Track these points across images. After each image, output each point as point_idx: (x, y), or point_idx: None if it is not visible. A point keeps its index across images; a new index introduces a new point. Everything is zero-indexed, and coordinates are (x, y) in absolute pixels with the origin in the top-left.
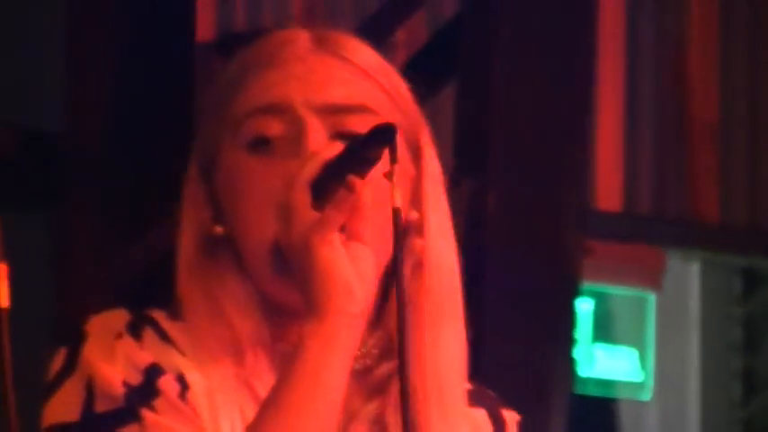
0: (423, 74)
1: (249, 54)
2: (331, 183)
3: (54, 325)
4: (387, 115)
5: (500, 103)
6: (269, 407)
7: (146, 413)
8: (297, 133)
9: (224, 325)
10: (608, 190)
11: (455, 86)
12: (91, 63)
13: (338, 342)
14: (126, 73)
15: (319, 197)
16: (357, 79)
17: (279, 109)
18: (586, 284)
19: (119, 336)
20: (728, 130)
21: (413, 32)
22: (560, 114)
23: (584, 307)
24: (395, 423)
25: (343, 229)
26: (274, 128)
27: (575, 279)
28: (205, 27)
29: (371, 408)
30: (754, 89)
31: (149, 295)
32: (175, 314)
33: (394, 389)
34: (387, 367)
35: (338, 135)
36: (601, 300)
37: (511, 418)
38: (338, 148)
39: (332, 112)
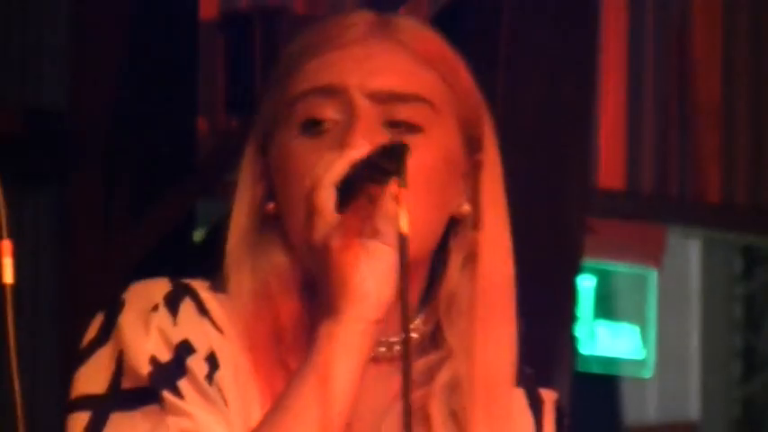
0: None
1: (311, 34)
2: (355, 187)
3: (59, 301)
4: (442, 105)
5: (502, 85)
6: (276, 409)
7: (167, 395)
8: (348, 117)
9: (267, 302)
10: (611, 169)
11: None
12: (94, 42)
13: (351, 348)
14: (130, 52)
15: (344, 199)
16: (415, 67)
17: (333, 91)
18: (588, 262)
19: (155, 308)
20: (730, 111)
21: (416, 8)
22: (563, 94)
23: (585, 284)
24: (437, 413)
25: (365, 229)
26: (327, 110)
27: (576, 256)
28: (208, 6)
29: (414, 396)
30: (756, 70)
31: (154, 272)
32: (218, 286)
33: (438, 379)
34: (432, 357)
35: (390, 123)
36: (602, 277)
37: (548, 396)
38: (366, 148)
39: (385, 99)
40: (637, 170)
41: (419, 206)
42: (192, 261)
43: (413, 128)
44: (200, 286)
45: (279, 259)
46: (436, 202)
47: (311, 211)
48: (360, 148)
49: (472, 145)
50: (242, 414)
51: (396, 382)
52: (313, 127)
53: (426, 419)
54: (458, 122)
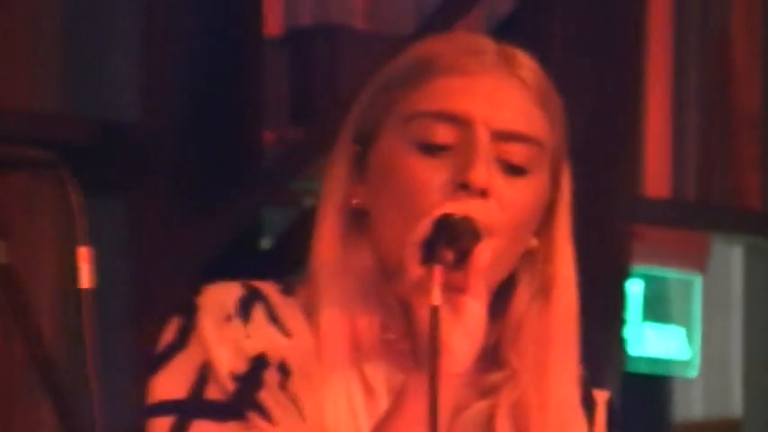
0: None
1: (431, 50)
2: (436, 245)
3: (132, 304)
4: (546, 147)
5: (557, 90)
6: None
7: (252, 415)
8: (467, 148)
9: (347, 309)
10: (656, 178)
11: None
12: (164, 59)
13: (443, 397)
14: (196, 68)
15: (428, 256)
16: (533, 108)
17: (458, 120)
18: (636, 267)
19: (228, 318)
20: None
21: (471, 28)
22: (611, 107)
23: (634, 289)
24: (501, 425)
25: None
26: (448, 136)
27: (625, 262)
28: (273, 23)
29: (479, 408)
30: None
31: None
32: (289, 288)
33: (505, 396)
34: (496, 376)
35: (500, 161)
36: (650, 282)
37: (601, 398)
38: (451, 207)
39: (506, 137)
40: (681, 179)
41: (508, 241)
42: (259, 267)
43: (522, 171)
44: (271, 290)
45: (365, 264)
46: (522, 238)
47: (400, 267)
48: (443, 208)
49: (554, 179)
50: (316, 419)
51: (463, 393)
52: (429, 145)
53: (490, 424)
54: (551, 162)
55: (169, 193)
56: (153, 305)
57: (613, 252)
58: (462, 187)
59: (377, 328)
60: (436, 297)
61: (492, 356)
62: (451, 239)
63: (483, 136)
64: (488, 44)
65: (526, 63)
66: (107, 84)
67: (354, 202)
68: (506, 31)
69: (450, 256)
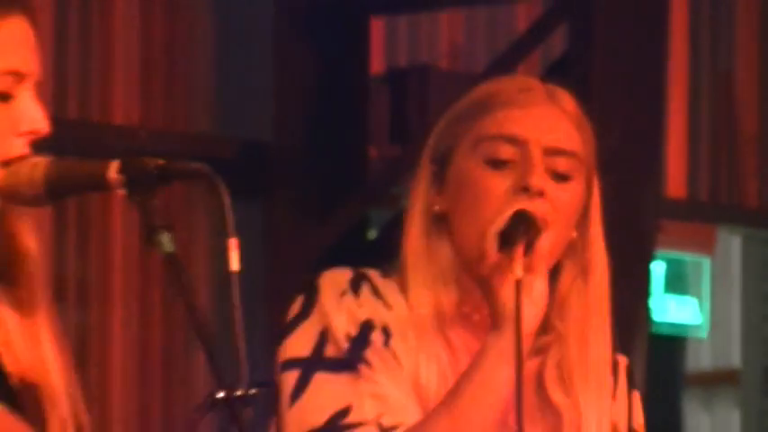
0: None
1: (494, 89)
2: (511, 234)
3: (266, 285)
4: (582, 158)
5: (595, 118)
6: (450, 395)
7: (361, 367)
8: (524, 163)
9: (434, 286)
10: (675, 183)
11: None
12: (292, 92)
13: (508, 355)
14: (317, 98)
15: (504, 244)
16: (572, 130)
17: (517, 141)
18: (659, 252)
19: (343, 293)
20: (764, 140)
21: (530, 68)
22: (640, 129)
23: (657, 268)
24: (550, 380)
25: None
26: (509, 153)
27: (650, 248)
28: (377, 64)
29: (532, 364)
30: None
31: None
32: (387, 273)
33: (552, 355)
34: (546, 338)
35: (549, 171)
36: (670, 263)
37: (623, 362)
38: (520, 205)
39: (552, 153)
40: (695, 184)
41: (560, 233)
42: (366, 255)
43: (566, 178)
44: (373, 274)
45: (444, 252)
46: (567, 230)
47: (482, 252)
48: (515, 205)
49: (588, 188)
50: (411, 374)
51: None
52: (496, 161)
53: (541, 383)
54: (585, 172)
55: (296, 197)
56: (283, 286)
57: (642, 240)
58: (524, 191)
59: (455, 303)
60: (519, 271)
61: (541, 324)
62: (524, 229)
63: (536, 151)
64: (537, 83)
65: (565, 97)
66: (247, 110)
67: (436, 208)
68: (557, 70)
69: (522, 243)
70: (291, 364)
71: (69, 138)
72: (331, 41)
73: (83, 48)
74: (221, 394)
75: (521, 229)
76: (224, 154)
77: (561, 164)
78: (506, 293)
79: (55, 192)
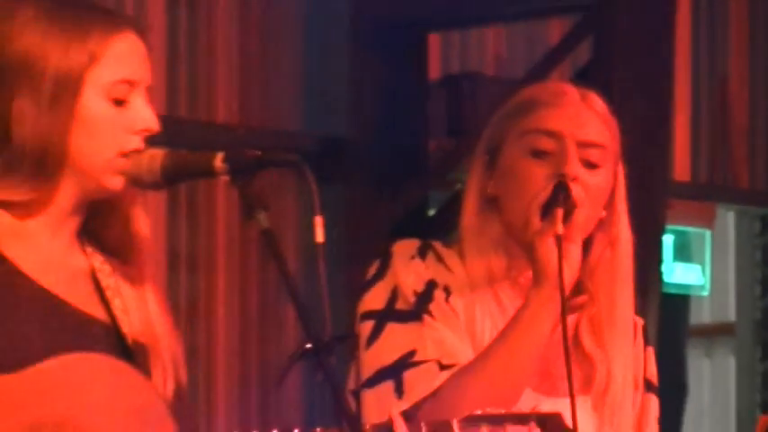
0: None
1: (535, 92)
2: (551, 203)
3: (346, 253)
4: (609, 149)
5: (616, 114)
6: (496, 341)
7: (425, 317)
8: (561, 154)
9: (486, 254)
10: (681, 168)
11: None
12: (366, 94)
13: (547, 307)
14: (386, 100)
15: (545, 213)
16: (600, 126)
17: (555, 136)
18: (669, 225)
19: (412, 257)
20: (754, 132)
21: (561, 74)
22: (652, 126)
23: (667, 239)
24: (585, 333)
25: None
26: (549, 145)
27: (661, 223)
28: (434, 70)
29: (569, 320)
30: None
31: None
32: (447, 244)
33: (587, 313)
34: (580, 299)
35: (582, 160)
36: (677, 235)
37: (639, 322)
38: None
39: (584, 145)
40: (697, 169)
41: (591, 211)
42: (425, 229)
43: (596, 166)
44: (437, 243)
45: (495, 227)
46: (597, 210)
47: (527, 220)
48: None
49: (614, 174)
50: (467, 325)
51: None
52: (537, 152)
53: (577, 336)
54: (612, 161)
55: (368, 182)
56: (358, 255)
57: (654, 216)
58: (560, 177)
59: (504, 268)
60: (560, 228)
61: (575, 287)
62: (563, 197)
63: (571, 144)
64: (571, 87)
65: (595, 98)
66: (328, 110)
67: (488, 191)
68: (584, 76)
69: (561, 212)
70: (368, 315)
71: (180, 134)
72: (396, 53)
73: (190, 58)
74: (309, 345)
75: (560, 197)
76: (309, 147)
77: (592, 154)
78: (546, 254)
79: (170, 178)
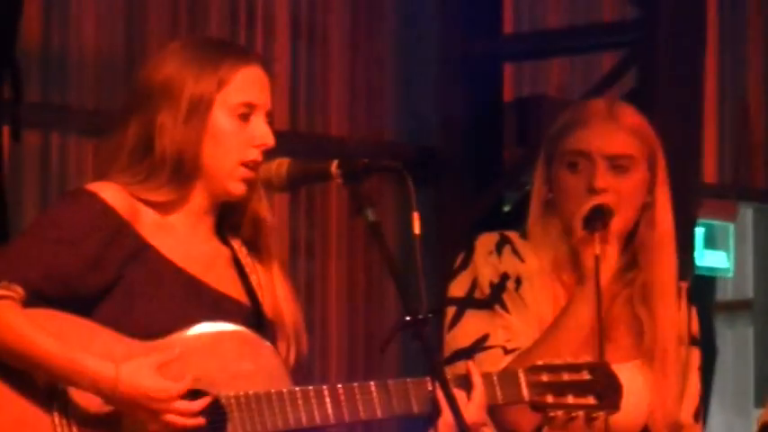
0: None
1: (572, 113)
2: (590, 220)
3: (436, 247)
4: (640, 156)
5: (658, 126)
6: (551, 327)
7: (496, 306)
8: (591, 169)
9: (550, 248)
10: (710, 173)
11: None
12: (452, 112)
13: (588, 302)
14: (469, 117)
15: (586, 225)
16: (627, 137)
17: (584, 154)
18: (699, 219)
19: (490, 252)
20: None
21: (611, 97)
22: (688, 138)
23: (698, 231)
24: (636, 299)
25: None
26: (580, 162)
27: (694, 217)
28: (507, 94)
29: (625, 292)
30: None
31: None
32: (522, 235)
33: (637, 283)
34: (633, 273)
35: (613, 168)
36: (707, 227)
37: (684, 286)
38: (595, 201)
39: (612, 158)
40: (722, 172)
41: (628, 211)
42: (502, 223)
43: (625, 171)
44: (514, 235)
45: (557, 227)
46: (634, 209)
47: (571, 229)
48: (595, 198)
49: (653, 170)
50: (537, 313)
51: (616, 287)
52: (573, 167)
53: (631, 303)
54: (647, 161)
55: (455, 185)
56: (448, 246)
57: (689, 212)
58: (592, 190)
59: (568, 259)
60: (597, 249)
61: (629, 264)
62: (599, 217)
63: (599, 159)
64: (601, 104)
65: (623, 111)
66: (421, 125)
67: (549, 196)
68: (630, 99)
69: (599, 226)
70: (451, 301)
71: (300, 145)
72: (478, 79)
73: (308, 82)
74: (408, 318)
75: (596, 217)
76: (406, 155)
77: (621, 163)
78: (587, 261)
79: (294, 182)
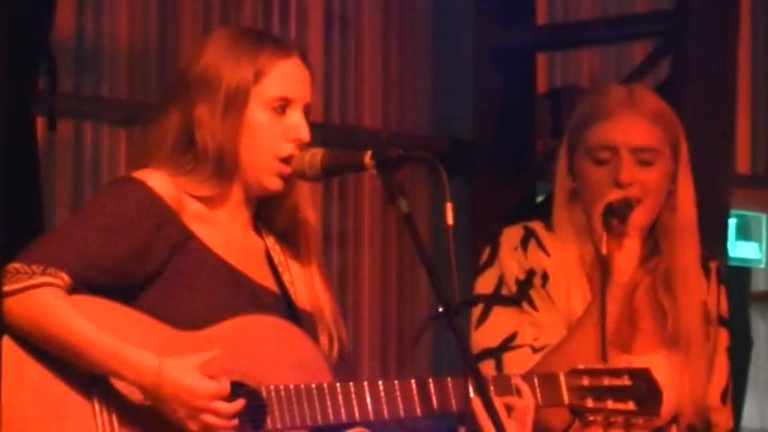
0: None
1: (596, 101)
2: (610, 213)
3: (469, 236)
4: (664, 146)
5: (689, 120)
6: (578, 323)
7: (524, 304)
8: (616, 163)
9: (575, 241)
10: (742, 163)
11: None
12: (485, 105)
13: (612, 298)
14: (502, 109)
15: (607, 217)
16: (650, 128)
17: (610, 147)
18: (732, 210)
19: (515, 248)
20: None
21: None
22: (720, 127)
23: (731, 222)
24: (659, 284)
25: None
26: (606, 156)
27: (726, 208)
28: (541, 85)
29: (648, 279)
30: None
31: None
32: (548, 226)
33: (659, 268)
34: (655, 260)
35: (638, 161)
36: (739, 218)
37: (714, 265)
38: (611, 196)
39: (637, 150)
40: (756, 163)
41: (653, 202)
42: (534, 213)
43: (651, 163)
44: (539, 227)
45: (580, 220)
46: (659, 194)
47: (592, 221)
48: (616, 192)
49: (675, 151)
50: (564, 306)
51: (640, 275)
52: (599, 161)
53: (654, 288)
54: (670, 149)
55: (488, 176)
56: (481, 235)
57: (722, 202)
58: (617, 184)
59: (593, 252)
60: (604, 249)
61: (651, 251)
62: (615, 212)
63: (625, 153)
64: (622, 93)
65: (644, 98)
66: (455, 117)
67: (572, 186)
68: (663, 89)
69: (616, 223)
70: (478, 298)
71: (335, 135)
72: (511, 70)
73: (342, 74)
74: (441, 309)
75: (613, 214)
76: (439, 147)
77: (645, 156)
78: (612, 251)
79: (328, 172)
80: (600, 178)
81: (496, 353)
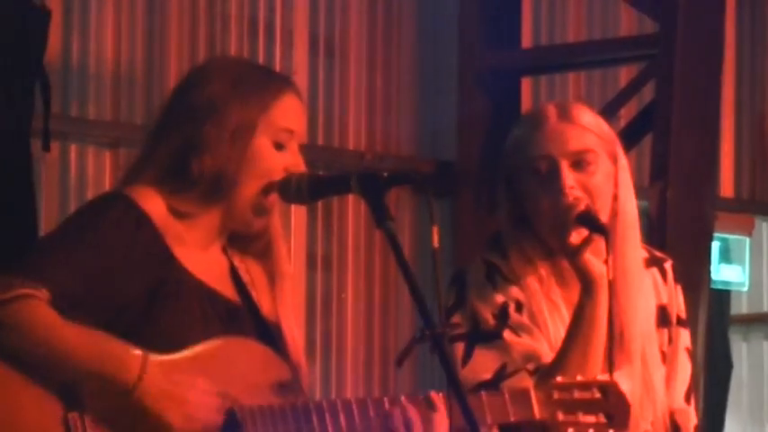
0: (632, 132)
1: (527, 121)
2: (583, 222)
3: (453, 259)
4: (598, 149)
5: (674, 147)
6: (561, 350)
7: (505, 334)
8: (556, 169)
9: (532, 264)
10: (726, 186)
11: (652, 138)
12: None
13: (601, 308)
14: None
15: (581, 226)
16: (583, 133)
17: (545, 157)
18: (716, 233)
19: (483, 285)
20: None
21: (628, 111)
22: (706, 152)
23: (715, 245)
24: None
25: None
26: (545, 166)
27: (710, 232)
28: (526, 107)
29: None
30: None
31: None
32: (504, 255)
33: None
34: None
35: (575, 166)
36: (723, 241)
37: (668, 263)
38: (576, 210)
39: (572, 155)
40: (739, 187)
41: (602, 198)
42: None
43: (588, 166)
44: (495, 259)
45: (529, 241)
46: (608, 194)
47: (560, 230)
48: (581, 202)
49: (613, 158)
50: (545, 328)
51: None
52: (538, 174)
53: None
54: (607, 154)
55: (473, 199)
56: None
57: (706, 226)
58: (560, 192)
59: (550, 269)
60: (586, 257)
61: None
62: (587, 221)
63: (562, 161)
64: (551, 109)
65: (576, 110)
66: (440, 140)
67: (516, 211)
68: (648, 112)
69: (587, 231)
70: (457, 338)
71: (320, 157)
72: (496, 93)
73: (326, 96)
74: (426, 331)
75: (582, 225)
76: (424, 169)
77: (583, 158)
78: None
79: (313, 195)
80: (543, 190)
81: (494, 383)
